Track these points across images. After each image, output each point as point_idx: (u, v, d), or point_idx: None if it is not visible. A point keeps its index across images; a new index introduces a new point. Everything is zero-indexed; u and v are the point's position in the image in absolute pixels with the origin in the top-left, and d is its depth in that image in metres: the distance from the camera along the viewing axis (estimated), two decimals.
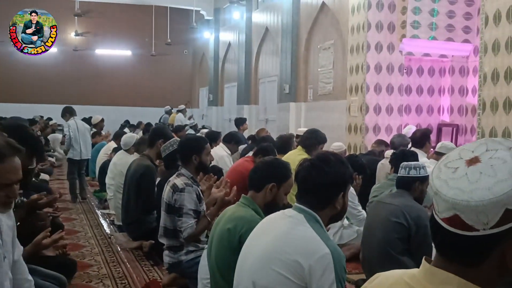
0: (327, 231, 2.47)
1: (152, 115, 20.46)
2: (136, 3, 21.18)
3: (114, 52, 23.44)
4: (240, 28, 17.18)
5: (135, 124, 17.05)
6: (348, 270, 4.79)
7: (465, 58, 9.68)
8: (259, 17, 16.14)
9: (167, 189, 4.18)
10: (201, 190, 4.21)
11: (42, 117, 18.15)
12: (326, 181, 2.40)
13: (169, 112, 18.95)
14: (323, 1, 11.70)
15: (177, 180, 4.14)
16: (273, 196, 3.08)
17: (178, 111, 17.81)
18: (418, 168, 3.98)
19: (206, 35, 20.77)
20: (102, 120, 12.39)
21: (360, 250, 4.29)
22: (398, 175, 4.07)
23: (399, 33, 9.25)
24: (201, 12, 20.13)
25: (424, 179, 3.97)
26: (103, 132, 12.47)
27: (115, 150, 8.83)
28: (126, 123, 17.55)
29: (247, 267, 2.44)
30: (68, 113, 9.82)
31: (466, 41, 9.31)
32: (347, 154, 8.39)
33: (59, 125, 17.16)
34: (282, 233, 2.36)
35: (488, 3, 6.97)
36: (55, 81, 21.97)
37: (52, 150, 15.18)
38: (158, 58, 22.90)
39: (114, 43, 23.19)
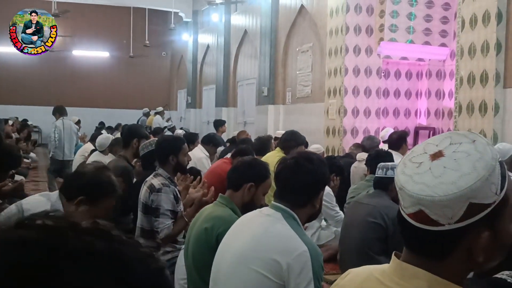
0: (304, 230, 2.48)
1: (129, 117, 20.31)
2: (114, 5, 21.03)
3: (92, 53, 23.25)
4: (218, 30, 17.15)
5: (113, 126, 16.91)
6: (326, 270, 4.77)
7: (441, 62, 9.76)
8: (238, 20, 16.14)
9: (144, 189, 4.13)
10: (178, 190, 4.18)
11: (17, 118, 17.93)
12: (310, 180, 2.42)
13: (147, 114, 18.86)
14: (301, 4, 11.73)
15: (154, 180, 4.10)
16: (251, 196, 3.07)
17: (156, 113, 17.74)
18: (395, 169, 4.00)
19: (185, 37, 20.70)
20: (79, 121, 12.38)
21: (338, 251, 4.29)
22: (376, 175, 4.09)
23: (377, 37, 9.30)
24: (180, 14, 20.06)
25: None
26: (79, 134, 12.36)
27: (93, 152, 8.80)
28: (102, 125, 17.42)
29: (225, 267, 2.42)
30: (58, 112, 9.98)
31: (443, 45, 9.39)
32: (325, 156, 8.41)
33: (35, 126, 17.01)
34: (260, 232, 2.36)
35: (465, 7, 7.05)
36: (31, 82, 21.70)
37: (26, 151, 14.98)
38: (136, 60, 22.76)
39: (92, 44, 22.99)
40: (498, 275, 1.76)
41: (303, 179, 2.41)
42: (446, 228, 1.07)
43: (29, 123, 17.06)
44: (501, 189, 1.08)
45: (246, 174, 3.10)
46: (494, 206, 1.07)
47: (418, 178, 1.10)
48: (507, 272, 1.75)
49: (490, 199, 1.07)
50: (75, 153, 10.26)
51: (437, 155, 1.12)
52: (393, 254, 1.21)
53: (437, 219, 1.07)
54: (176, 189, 4.12)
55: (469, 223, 1.07)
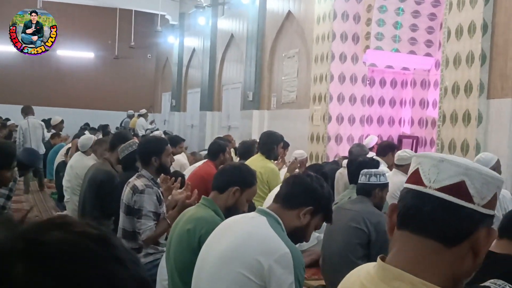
0: None
1: (113, 118, 20.20)
2: (101, 5, 20.92)
3: (76, 53, 23.10)
4: (205, 34, 17.13)
5: (96, 128, 16.78)
6: (308, 275, 4.78)
7: (426, 71, 9.83)
8: (225, 24, 16.13)
9: (126, 190, 4.09)
10: (161, 192, 4.15)
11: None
12: (302, 189, 2.52)
13: (131, 116, 18.78)
14: (289, 10, 11.75)
15: (137, 181, 4.07)
16: (235, 200, 3.06)
17: (140, 115, 17.65)
18: (378, 175, 4.02)
19: (171, 40, 20.64)
20: (62, 121, 12.31)
21: (320, 256, 4.29)
22: (359, 182, 4.10)
23: (363, 44, 9.35)
24: (166, 16, 20.01)
25: (384, 186, 4.02)
26: (62, 134, 12.29)
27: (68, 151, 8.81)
28: (86, 126, 17.29)
29: (207, 268, 2.41)
30: (24, 112, 10.79)
31: (428, 54, 9.47)
32: (309, 163, 8.42)
33: (17, 125, 16.83)
34: (244, 234, 2.37)
35: (451, 17, 7.11)
36: (14, 81, 21.48)
37: None
38: (121, 61, 22.64)
39: (77, 44, 22.82)
40: (483, 284, 1.77)
41: (295, 186, 2.54)
42: (474, 208, 1.13)
43: (11, 122, 16.86)
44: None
45: (233, 178, 3.09)
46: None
47: (459, 159, 1.20)
48: (491, 280, 1.76)
49: None
50: (56, 153, 10.19)
51: None
52: (378, 257, 1.20)
53: (473, 194, 1.13)
54: (159, 191, 4.10)
55: (488, 213, 1.14)
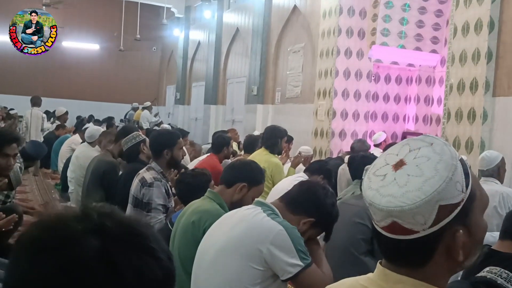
0: None
1: (117, 110, 20.20)
2: None
3: (82, 45, 23.08)
4: (210, 27, 17.11)
5: (101, 120, 16.79)
6: None
7: (432, 68, 9.80)
8: (230, 17, 16.11)
9: (135, 182, 4.10)
10: (170, 186, 4.16)
11: (5, 107, 17.73)
12: (316, 199, 2.52)
13: (135, 109, 18.79)
14: (294, 4, 11.73)
15: (146, 174, 4.07)
16: (241, 196, 3.07)
17: (144, 108, 17.65)
18: None
19: (176, 33, 20.62)
20: (66, 112, 12.38)
21: (323, 251, 4.29)
22: (363, 177, 4.08)
23: (369, 40, 9.32)
24: (172, 9, 19.99)
25: None
26: (67, 126, 12.33)
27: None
28: (91, 118, 17.30)
29: (206, 260, 2.44)
30: (32, 101, 11.34)
31: (433, 51, 9.44)
32: (313, 158, 8.42)
33: (21, 116, 16.86)
34: (241, 224, 2.40)
35: (458, 14, 7.08)
36: (18, 72, 21.46)
37: None
38: (126, 53, 22.61)
39: (82, 36, 22.80)
40: (479, 274, 1.77)
41: (307, 194, 2.54)
42: (422, 234, 1.08)
43: (14, 111, 16.90)
44: (467, 186, 1.10)
45: (242, 174, 3.11)
46: (463, 204, 1.09)
47: (384, 190, 1.11)
48: (487, 269, 1.76)
49: (458, 198, 1.08)
50: (61, 144, 10.21)
51: (399, 165, 1.14)
52: (378, 263, 1.21)
53: (411, 227, 1.08)
54: (168, 184, 4.11)
55: (442, 225, 1.08)
